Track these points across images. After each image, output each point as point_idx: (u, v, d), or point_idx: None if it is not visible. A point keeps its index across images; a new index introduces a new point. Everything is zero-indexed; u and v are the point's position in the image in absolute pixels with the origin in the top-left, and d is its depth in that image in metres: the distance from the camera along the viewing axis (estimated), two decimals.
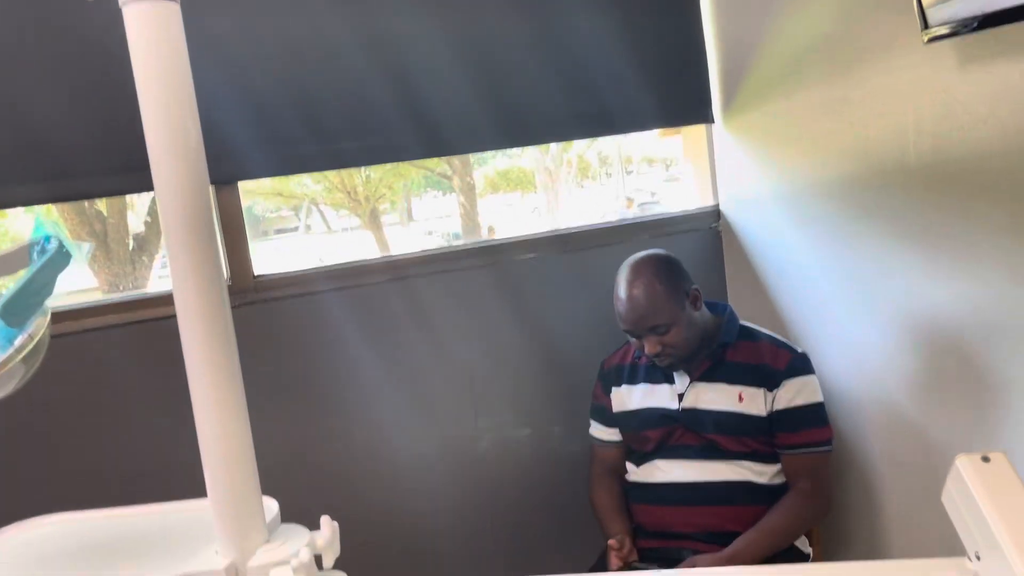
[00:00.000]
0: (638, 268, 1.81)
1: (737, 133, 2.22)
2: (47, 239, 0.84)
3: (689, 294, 1.82)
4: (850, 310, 1.91)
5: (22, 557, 0.94)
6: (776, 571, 0.89)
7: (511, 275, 2.16)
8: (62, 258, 0.83)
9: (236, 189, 1.92)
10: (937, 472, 1.72)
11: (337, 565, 0.92)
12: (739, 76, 2.16)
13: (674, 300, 1.78)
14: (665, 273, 1.80)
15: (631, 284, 1.79)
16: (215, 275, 0.84)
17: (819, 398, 1.81)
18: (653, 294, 1.77)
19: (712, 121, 2.27)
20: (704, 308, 1.87)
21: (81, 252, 0.85)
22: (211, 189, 1.88)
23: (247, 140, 1.88)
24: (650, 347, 1.78)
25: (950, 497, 0.84)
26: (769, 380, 1.80)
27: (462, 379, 2.13)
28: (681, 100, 2.27)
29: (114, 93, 1.65)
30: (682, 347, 1.79)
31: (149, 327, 1.83)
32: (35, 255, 0.84)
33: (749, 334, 1.89)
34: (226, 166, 1.87)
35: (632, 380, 1.95)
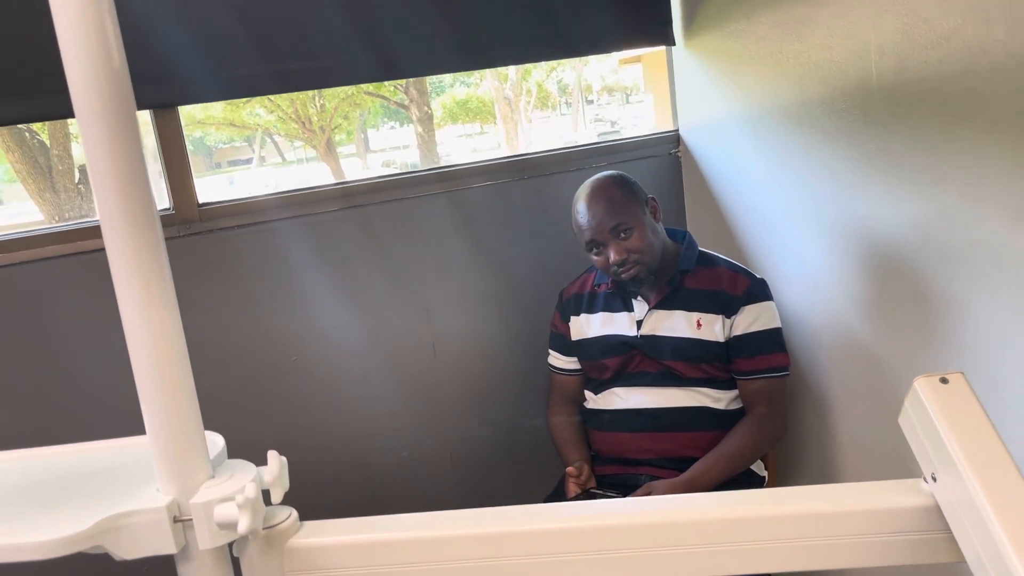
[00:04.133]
0: (594, 182, 1.82)
1: (698, 55, 2.16)
2: None
3: (648, 203, 1.81)
4: (808, 236, 1.90)
5: None
6: (734, 496, 0.88)
7: (467, 202, 2.11)
8: None
9: (176, 114, 1.82)
10: (890, 397, 1.74)
11: (287, 501, 0.90)
12: None
13: (634, 204, 1.78)
14: (622, 183, 1.81)
15: (589, 196, 1.79)
16: (145, 205, 0.79)
17: (776, 324, 1.82)
18: (613, 197, 1.77)
19: (673, 43, 2.21)
20: (663, 227, 1.85)
21: None
22: (149, 114, 1.81)
23: (189, 62, 1.78)
24: (616, 254, 1.75)
25: (907, 419, 0.83)
26: (727, 306, 1.79)
27: (419, 310, 2.09)
28: (641, 21, 2.19)
29: (32, 8, 1.54)
30: (647, 253, 1.76)
31: (88, 259, 1.75)
32: None
33: (708, 260, 1.87)
34: (166, 90, 1.77)
35: (591, 309, 1.93)
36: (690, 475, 1.73)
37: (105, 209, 0.77)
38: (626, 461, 1.84)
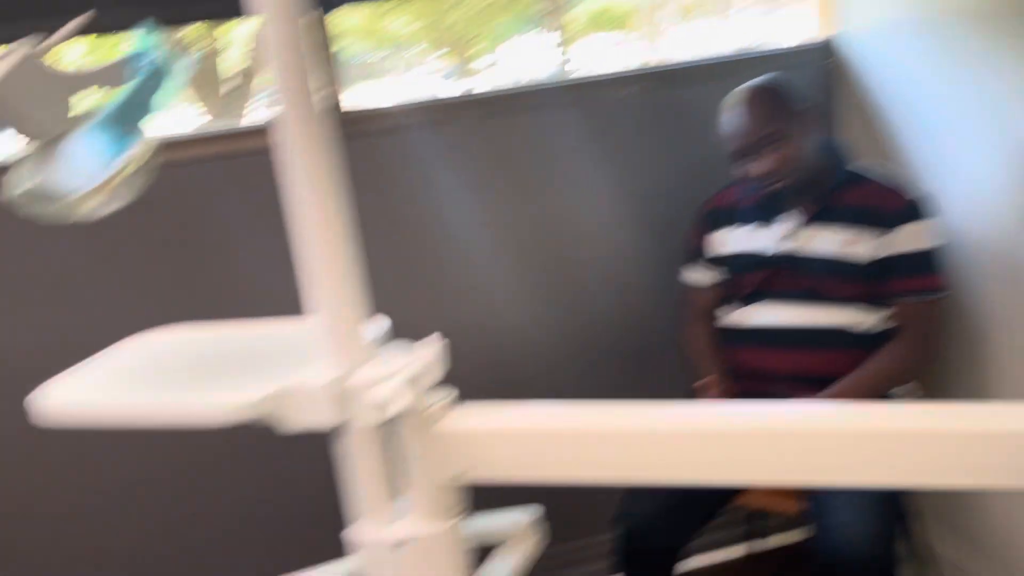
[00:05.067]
0: (749, 87, 1.75)
1: None
2: (149, 52, 0.82)
3: (804, 113, 1.73)
4: (983, 154, 1.74)
5: (139, 366, 0.99)
6: (889, 409, 0.84)
7: (606, 114, 2.07)
8: (165, 69, 0.81)
9: (322, 19, 1.86)
10: None
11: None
12: None
13: (788, 113, 1.71)
14: (777, 90, 1.73)
15: (741, 103, 1.73)
16: (311, 97, 0.80)
17: (935, 243, 1.71)
18: (766, 101, 1.70)
19: None
20: (817, 140, 1.76)
21: (184, 65, 0.83)
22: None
23: None
24: (765, 163, 1.69)
25: None
26: (881, 223, 1.70)
27: (551, 218, 2.09)
28: None
29: None
30: (799, 164, 1.70)
31: (250, 159, 1.85)
32: (137, 67, 0.83)
33: (862, 176, 1.77)
34: None
35: (732, 223, 1.88)
36: (827, 396, 1.69)
37: (279, 95, 0.79)
38: (761, 377, 1.81)
